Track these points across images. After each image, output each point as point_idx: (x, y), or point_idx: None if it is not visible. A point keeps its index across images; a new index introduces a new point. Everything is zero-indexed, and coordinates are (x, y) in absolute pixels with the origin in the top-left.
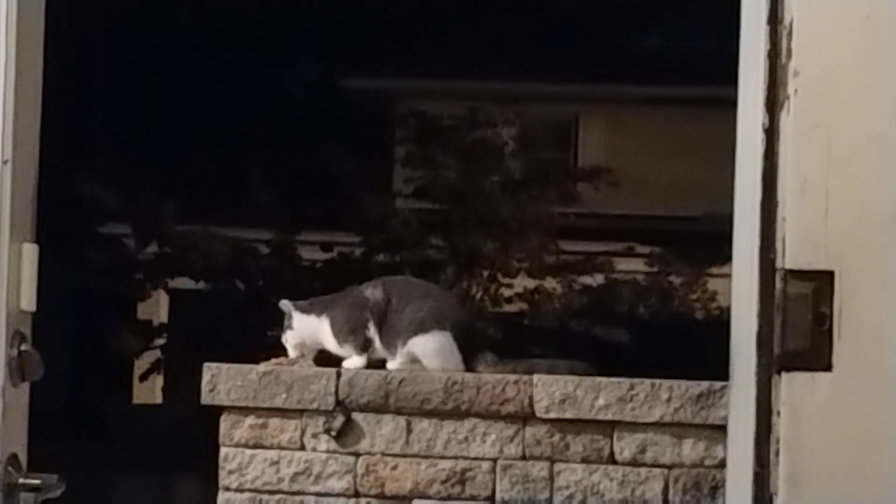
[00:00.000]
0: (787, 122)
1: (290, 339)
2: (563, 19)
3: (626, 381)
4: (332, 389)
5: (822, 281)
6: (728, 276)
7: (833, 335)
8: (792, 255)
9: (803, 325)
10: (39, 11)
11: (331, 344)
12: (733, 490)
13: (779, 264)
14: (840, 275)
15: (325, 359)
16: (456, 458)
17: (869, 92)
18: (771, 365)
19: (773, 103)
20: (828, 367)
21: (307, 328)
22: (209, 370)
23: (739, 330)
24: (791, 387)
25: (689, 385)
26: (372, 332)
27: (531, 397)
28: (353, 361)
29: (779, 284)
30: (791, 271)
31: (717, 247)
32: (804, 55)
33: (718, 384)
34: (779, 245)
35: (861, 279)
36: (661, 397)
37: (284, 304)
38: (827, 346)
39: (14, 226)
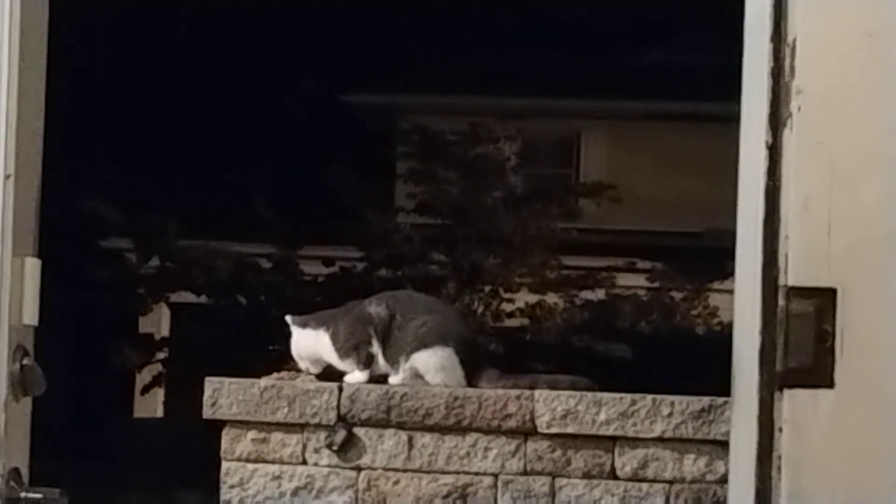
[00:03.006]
0: (790, 139)
1: (293, 353)
2: (565, 36)
3: (627, 397)
4: (334, 404)
5: (825, 298)
6: (729, 291)
7: (835, 352)
8: (794, 273)
9: (806, 342)
10: (42, 26)
11: (332, 358)
12: None
13: (781, 281)
14: (843, 292)
15: (327, 373)
16: (457, 472)
17: (872, 110)
18: (773, 382)
19: (777, 121)
20: (830, 385)
21: (304, 342)
22: (211, 384)
23: (742, 346)
24: (793, 404)
25: (690, 400)
26: (375, 348)
27: (532, 412)
28: (355, 376)
29: (781, 302)
30: (794, 288)
31: (719, 262)
32: (807, 73)
33: (720, 399)
34: (781, 262)
35: (864, 297)
36: (663, 412)
37: (287, 319)
38: (829, 364)
39: (16, 240)
